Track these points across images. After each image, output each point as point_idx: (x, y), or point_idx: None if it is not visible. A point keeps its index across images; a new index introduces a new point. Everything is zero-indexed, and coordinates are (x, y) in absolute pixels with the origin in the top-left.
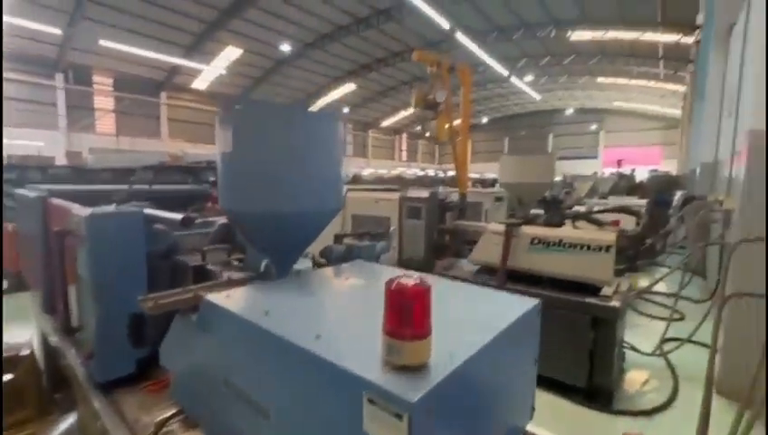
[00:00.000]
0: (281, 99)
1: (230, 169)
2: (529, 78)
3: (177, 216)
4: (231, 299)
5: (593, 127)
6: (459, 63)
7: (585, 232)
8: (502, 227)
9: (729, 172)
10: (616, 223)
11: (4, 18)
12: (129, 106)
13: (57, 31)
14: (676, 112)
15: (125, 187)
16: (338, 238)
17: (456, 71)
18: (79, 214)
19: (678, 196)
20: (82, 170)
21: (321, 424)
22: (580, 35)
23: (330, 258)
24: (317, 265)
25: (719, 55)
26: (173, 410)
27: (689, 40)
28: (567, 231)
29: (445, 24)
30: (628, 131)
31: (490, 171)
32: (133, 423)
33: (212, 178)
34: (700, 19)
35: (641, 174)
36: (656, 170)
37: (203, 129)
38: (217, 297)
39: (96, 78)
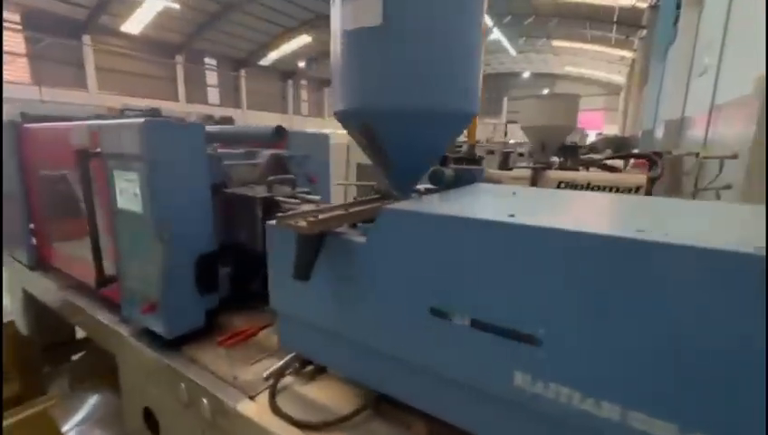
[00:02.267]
0: (228, 49)
1: (372, 52)
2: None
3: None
4: (430, 205)
5: (545, 92)
6: None
7: (613, 175)
8: (525, 172)
9: (707, 126)
10: (646, 164)
11: None
12: (46, 49)
13: None
14: (620, 79)
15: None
16: (444, 161)
17: None
18: (127, 122)
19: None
20: None
21: (647, 334)
22: None
23: (441, 181)
24: (419, 192)
25: (691, 17)
26: (281, 362)
27: (644, 4)
28: (594, 174)
29: None
30: None
31: None
32: (233, 381)
33: None
34: None
35: (589, 137)
36: (601, 133)
37: (140, 80)
38: (408, 205)
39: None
